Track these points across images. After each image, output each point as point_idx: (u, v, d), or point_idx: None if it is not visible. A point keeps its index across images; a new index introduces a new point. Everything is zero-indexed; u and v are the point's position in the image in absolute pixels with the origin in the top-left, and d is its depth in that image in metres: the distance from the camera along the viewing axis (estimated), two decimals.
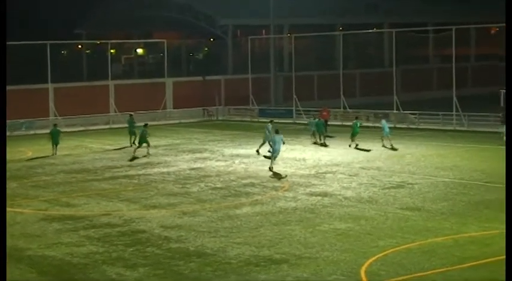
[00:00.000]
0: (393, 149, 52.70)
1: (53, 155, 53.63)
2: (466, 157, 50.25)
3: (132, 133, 58.17)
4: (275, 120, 71.44)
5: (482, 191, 38.49)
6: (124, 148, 57.23)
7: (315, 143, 59.00)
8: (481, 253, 27.27)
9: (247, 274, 25.44)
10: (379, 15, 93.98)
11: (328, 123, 63.84)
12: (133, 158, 51.49)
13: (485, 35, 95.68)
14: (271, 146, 47.41)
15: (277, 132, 47.65)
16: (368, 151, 53.61)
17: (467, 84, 78.60)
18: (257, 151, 53.93)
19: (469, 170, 44.68)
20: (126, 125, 60.54)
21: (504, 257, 24.80)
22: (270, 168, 45.92)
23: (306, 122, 72.02)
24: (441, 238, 29.60)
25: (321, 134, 59.00)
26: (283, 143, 46.63)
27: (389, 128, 54.52)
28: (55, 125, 57.10)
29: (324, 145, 57.43)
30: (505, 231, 24.62)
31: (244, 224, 32.68)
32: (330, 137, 60.10)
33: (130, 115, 61.29)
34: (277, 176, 44.31)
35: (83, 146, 57.47)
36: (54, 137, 54.35)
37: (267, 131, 53.34)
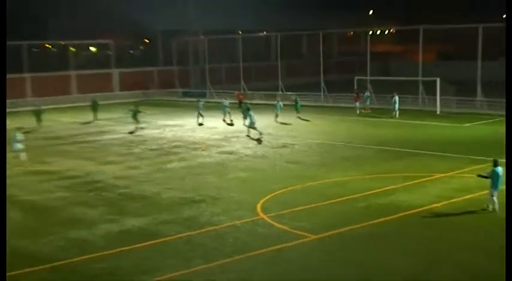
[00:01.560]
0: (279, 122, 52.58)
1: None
2: (332, 125, 51.01)
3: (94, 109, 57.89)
4: (192, 100, 71.52)
5: (343, 149, 39.40)
6: (88, 122, 56.34)
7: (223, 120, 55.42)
8: (342, 191, 28.10)
9: (176, 211, 26.25)
10: (269, 23, 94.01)
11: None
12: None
13: (344, 38, 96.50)
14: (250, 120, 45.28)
15: (248, 109, 47.07)
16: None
17: (332, 72, 79.12)
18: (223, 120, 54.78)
19: (334, 135, 45.46)
20: (88, 104, 59.66)
21: (357, 195, 25.73)
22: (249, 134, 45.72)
23: (217, 100, 72.27)
24: (315, 182, 30.43)
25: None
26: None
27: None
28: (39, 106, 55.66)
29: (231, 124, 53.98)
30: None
31: (173, 175, 33.26)
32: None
33: (94, 100, 60.25)
34: (197, 139, 44.40)
35: (53, 119, 56.68)
36: (37, 114, 52.86)
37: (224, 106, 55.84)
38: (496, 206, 24.00)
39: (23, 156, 36.95)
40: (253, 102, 67.38)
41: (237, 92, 66.29)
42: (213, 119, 55.23)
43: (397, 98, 54.73)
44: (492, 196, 24.14)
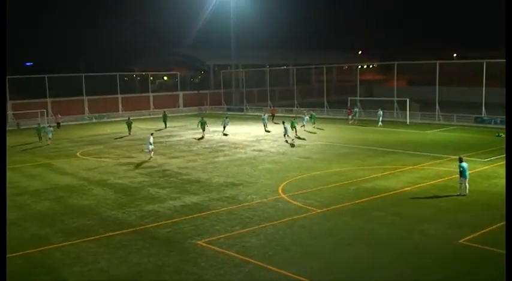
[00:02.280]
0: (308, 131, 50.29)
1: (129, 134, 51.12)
2: (333, 131, 50.44)
3: (164, 120, 57.03)
4: (233, 113, 71.51)
5: (340, 148, 38.95)
6: (160, 129, 56.20)
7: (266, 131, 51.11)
8: (339, 178, 27.89)
9: (221, 191, 26.19)
10: (288, 59, 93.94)
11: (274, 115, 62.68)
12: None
13: (341, 70, 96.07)
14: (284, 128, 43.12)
15: (283, 122, 44.56)
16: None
17: (332, 94, 78.66)
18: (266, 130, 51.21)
19: (333, 138, 44.95)
20: (160, 116, 59.77)
21: (350, 181, 25.42)
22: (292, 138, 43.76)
23: (252, 113, 72.30)
24: (319, 172, 30.20)
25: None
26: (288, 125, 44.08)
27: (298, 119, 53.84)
28: (128, 118, 55.46)
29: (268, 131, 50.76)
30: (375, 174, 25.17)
31: (220, 166, 33.15)
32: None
33: (164, 111, 59.87)
34: (237, 141, 44.33)
35: (137, 127, 56.94)
36: (128, 124, 51.84)
37: (263, 120, 52.98)
38: (467, 191, 23.79)
39: (153, 153, 36.38)
40: (277, 114, 67.45)
41: (270, 108, 65.11)
42: (248, 127, 55.18)
43: (381, 112, 54.24)
44: (461, 183, 23.93)
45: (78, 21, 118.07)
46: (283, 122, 44.85)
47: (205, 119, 47.88)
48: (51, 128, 46.74)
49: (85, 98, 69.82)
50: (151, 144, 36.19)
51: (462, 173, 23.68)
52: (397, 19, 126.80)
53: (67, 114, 64.02)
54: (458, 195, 23.71)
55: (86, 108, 69.47)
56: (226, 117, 52.38)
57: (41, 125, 49.07)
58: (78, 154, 39.55)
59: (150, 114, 72.12)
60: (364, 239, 18.19)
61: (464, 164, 23.72)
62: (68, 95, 69.63)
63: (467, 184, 23.87)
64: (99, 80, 72.83)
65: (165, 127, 55.53)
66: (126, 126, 52.06)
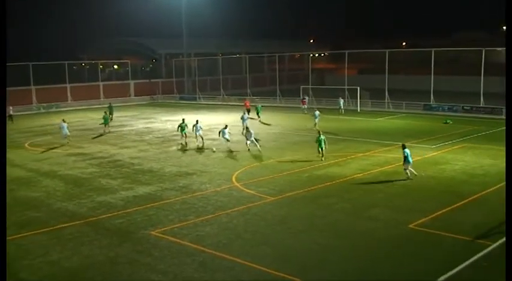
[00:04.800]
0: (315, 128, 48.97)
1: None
2: (285, 119, 50.71)
3: (110, 112, 51.54)
4: (186, 102, 70.98)
5: (294, 137, 39.28)
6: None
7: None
8: (291, 166, 28.13)
9: (175, 180, 26.00)
10: (240, 48, 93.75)
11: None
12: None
13: (293, 58, 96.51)
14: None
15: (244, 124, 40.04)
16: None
17: (284, 83, 78.90)
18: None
19: (285, 126, 45.33)
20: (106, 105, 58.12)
21: (302, 169, 25.61)
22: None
23: (205, 102, 71.96)
24: (272, 160, 30.40)
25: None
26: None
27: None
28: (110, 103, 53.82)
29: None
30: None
31: (172, 155, 33.09)
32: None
33: (110, 103, 57.51)
34: (189, 130, 44.05)
35: (86, 116, 55.92)
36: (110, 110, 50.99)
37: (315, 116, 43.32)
38: (411, 175, 24.54)
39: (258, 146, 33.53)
40: (229, 103, 67.36)
41: (246, 100, 57.61)
42: (202, 116, 54.92)
43: (341, 100, 54.78)
44: (405, 169, 24.62)
45: (26, 8, 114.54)
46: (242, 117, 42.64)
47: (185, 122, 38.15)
48: None
49: (33, 87, 68.03)
50: (226, 134, 34.43)
51: (406, 158, 24.43)
52: (348, 8, 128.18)
53: (14, 105, 62.20)
54: (406, 179, 24.31)
55: (34, 98, 67.75)
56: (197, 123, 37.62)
57: None
58: (26, 144, 38.60)
59: (100, 104, 70.83)
60: (317, 226, 18.46)
61: (407, 150, 24.52)
62: (14, 85, 67.66)
63: (411, 169, 24.60)
64: (47, 69, 71.04)
65: (111, 119, 49.93)
66: (107, 111, 49.81)
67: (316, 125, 41.45)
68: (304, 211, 20.37)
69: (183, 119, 38.30)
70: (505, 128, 23.05)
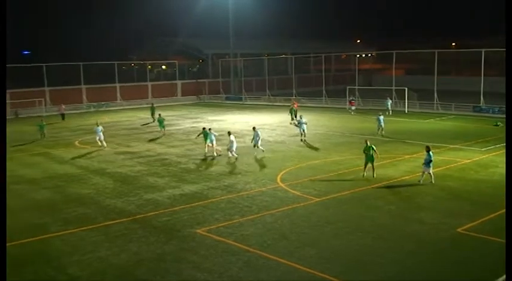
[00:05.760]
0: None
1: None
2: (330, 120, 50.45)
3: (152, 113, 52.09)
4: (231, 103, 71.35)
5: (338, 137, 39.08)
6: (147, 123, 56.14)
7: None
8: (337, 167, 27.88)
9: (220, 180, 26.17)
10: (286, 48, 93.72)
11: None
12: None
13: (340, 59, 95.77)
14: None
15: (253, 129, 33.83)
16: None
17: (330, 83, 78.42)
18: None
19: (331, 127, 45.11)
20: (155, 105, 58.82)
21: (348, 170, 25.36)
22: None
23: (251, 102, 72.21)
24: (317, 161, 30.26)
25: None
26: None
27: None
28: (152, 104, 54.67)
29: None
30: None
31: (219, 154, 32.85)
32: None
33: (152, 104, 57.13)
34: (235, 130, 44.24)
35: (135, 116, 56.91)
36: (152, 110, 51.53)
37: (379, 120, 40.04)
38: (423, 180, 24.03)
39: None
40: (275, 104, 67.37)
41: (294, 100, 56.53)
42: (247, 116, 55.09)
43: (389, 101, 54.13)
44: (424, 172, 24.10)
45: (77, 10, 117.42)
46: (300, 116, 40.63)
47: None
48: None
49: (83, 87, 69.67)
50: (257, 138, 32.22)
51: (430, 162, 23.83)
52: (396, 8, 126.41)
53: (65, 103, 63.78)
54: (423, 182, 23.69)
55: (84, 97, 69.33)
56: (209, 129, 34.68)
57: (43, 122, 43.11)
58: (76, 142, 39.51)
59: (148, 103, 71.91)
60: (363, 228, 18.23)
61: (430, 154, 23.90)
62: (66, 84, 69.47)
63: (431, 172, 24.06)
64: (98, 69, 72.67)
65: (153, 121, 50.44)
66: (149, 111, 51.73)
67: (383, 131, 39.40)
68: (350, 212, 20.17)
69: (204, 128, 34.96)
70: None
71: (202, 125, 48.21)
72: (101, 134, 36.53)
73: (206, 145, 32.70)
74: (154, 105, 55.44)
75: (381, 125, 39.62)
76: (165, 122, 43.61)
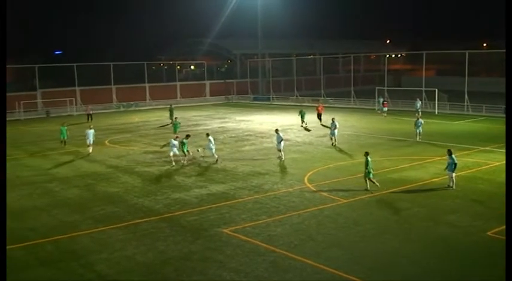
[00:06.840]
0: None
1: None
2: (358, 121, 50.18)
3: (170, 114, 51.33)
4: (259, 103, 71.36)
5: (366, 139, 38.82)
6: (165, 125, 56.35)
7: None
8: (361, 170, 27.51)
9: (248, 180, 26.22)
10: (315, 48, 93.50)
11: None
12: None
13: (368, 59, 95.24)
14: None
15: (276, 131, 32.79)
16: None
17: (359, 84, 78.05)
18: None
19: (360, 128, 44.84)
20: (186, 105, 59.44)
21: (375, 172, 25.15)
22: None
23: (279, 103, 72.16)
24: (345, 162, 30.09)
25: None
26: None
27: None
28: (170, 105, 54.51)
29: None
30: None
31: (246, 155, 33.30)
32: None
33: (171, 105, 56.22)
34: (263, 130, 44.30)
35: (163, 115, 57.36)
36: (171, 111, 51.29)
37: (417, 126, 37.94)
38: (452, 184, 23.42)
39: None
40: (303, 104, 67.24)
41: (319, 104, 54.92)
42: (273, 116, 55.07)
43: (418, 102, 53.16)
44: (451, 177, 23.54)
45: (107, 11, 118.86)
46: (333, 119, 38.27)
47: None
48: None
49: (113, 86, 70.51)
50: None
51: (455, 165, 23.28)
52: (426, 8, 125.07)
53: (95, 103, 64.65)
54: (448, 187, 23.27)
55: (114, 97, 70.14)
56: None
57: (65, 126, 38.72)
58: (106, 142, 39.99)
59: (177, 103, 72.47)
60: (390, 230, 18.07)
61: (452, 157, 23.36)
62: (96, 84, 70.41)
63: (453, 177, 23.49)
64: (127, 69, 73.50)
65: (171, 123, 48.31)
66: (168, 113, 52.09)
67: (420, 136, 37.54)
68: (377, 214, 20.01)
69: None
70: None
71: (230, 125, 48.48)
72: (92, 137, 34.62)
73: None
74: (173, 106, 55.59)
75: (420, 130, 37.54)
76: (193, 122, 43.79)
